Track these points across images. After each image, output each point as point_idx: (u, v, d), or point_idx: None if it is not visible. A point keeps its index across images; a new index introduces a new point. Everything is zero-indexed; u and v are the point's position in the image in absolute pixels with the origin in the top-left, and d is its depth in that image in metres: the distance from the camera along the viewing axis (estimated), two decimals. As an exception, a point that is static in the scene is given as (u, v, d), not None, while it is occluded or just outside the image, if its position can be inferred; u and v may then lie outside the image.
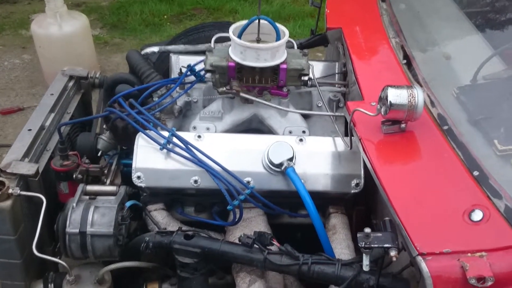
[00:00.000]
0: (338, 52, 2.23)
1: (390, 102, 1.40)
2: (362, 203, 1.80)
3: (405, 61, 1.76)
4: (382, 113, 1.44)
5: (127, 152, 1.93)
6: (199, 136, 1.71)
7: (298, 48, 2.65)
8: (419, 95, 1.39)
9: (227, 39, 2.23)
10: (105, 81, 1.96)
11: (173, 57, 2.20)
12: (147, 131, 1.67)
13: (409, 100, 1.39)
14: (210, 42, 2.78)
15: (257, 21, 1.77)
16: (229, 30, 1.79)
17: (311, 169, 1.68)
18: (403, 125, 1.45)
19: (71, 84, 2.22)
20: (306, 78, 1.86)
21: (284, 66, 1.79)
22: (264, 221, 1.72)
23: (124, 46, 4.76)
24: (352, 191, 1.68)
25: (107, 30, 5.07)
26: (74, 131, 2.09)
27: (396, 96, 1.40)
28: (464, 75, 1.70)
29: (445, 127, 1.45)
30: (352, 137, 1.58)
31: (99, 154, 1.91)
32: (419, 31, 1.92)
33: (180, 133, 1.70)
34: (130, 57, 1.97)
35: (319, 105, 2.12)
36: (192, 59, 2.18)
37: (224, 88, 1.80)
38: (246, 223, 1.69)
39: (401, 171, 1.40)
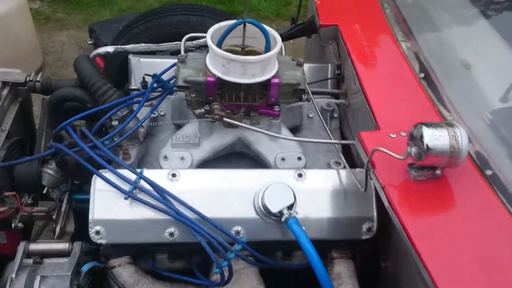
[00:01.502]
0: (330, 52, 1.90)
1: (427, 145, 1.09)
2: (368, 241, 1.52)
3: (423, 74, 1.44)
4: (416, 158, 1.13)
5: (80, 186, 1.55)
6: (173, 175, 1.35)
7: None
8: (463, 137, 1.09)
9: (201, 38, 1.87)
10: (49, 100, 1.54)
11: (133, 60, 1.79)
12: (106, 173, 1.30)
13: (451, 144, 1.08)
14: (176, 30, 2.45)
15: (242, 25, 1.39)
16: (207, 36, 1.41)
17: (314, 213, 1.37)
18: (438, 172, 1.16)
19: (5, 92, 1.79)
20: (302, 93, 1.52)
21: (276, 80, 1.44)
22: (256, 273, 1.41)
23: (69, 22, 4.21)
24: (363, 237, 1.39)
25: (49, 3, 4.47)
26: (12, 152, 1.68)
27: (435, 138, 1.09)
28: (491, 90, 1.41)
29: (488, 172, 1.16)
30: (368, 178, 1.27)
31: (44, 192, 1.52)
32: (430, 31, 1.60)
33: (149, 172, 1.33)
34: (79, 66, 1.54)
35: (310, 115, 1.80)
36: (157, 63, 1.79)
37: (203, 110, 1.44)
38: (234, 278, 1.37)
39: (440, 235, 1.11)
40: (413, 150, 1.13)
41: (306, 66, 1.82)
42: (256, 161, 1.60)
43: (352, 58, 1.55)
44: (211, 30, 1.43)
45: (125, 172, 1.31)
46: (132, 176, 1.30)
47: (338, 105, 1.79)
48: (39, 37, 3.78)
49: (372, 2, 1.78)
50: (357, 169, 1.42)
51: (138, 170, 1.33)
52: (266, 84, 1.44)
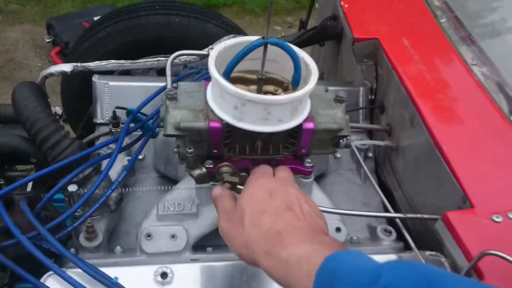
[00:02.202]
0: (352, 67, 1.47)
1: None
2: None
3: (516, 116, 1.03)
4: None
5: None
6: (163, 275, 0.90)
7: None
8: None
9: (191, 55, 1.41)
10: None
11: (98, 83, 1.31)
12: (58, 279, 0.83)
13: None
14: (154, 33, 1.96)
15: (262, 47, 0.94)
16: (209, 61, 0.95)
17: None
18: None
19: None
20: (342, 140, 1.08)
21: (310, 125, 0.99)
22: None
23: (24, 15, 3.63)
24: None
25: (-1, -8, 3.87)
26: None
27: None
28: None
29: None
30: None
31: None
32: (510, 49, 1.18)
33: (127, 274, 0.87)
34: (18, 101, 1.04)
35: (338, 156, 1.38)
36: (132, 88, 1.32)
37: (203, 170, 0.98)
38: None
39: None
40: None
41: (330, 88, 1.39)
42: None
43: (409, 89, 1.11)
44: (214, 52, 0.96)
45: (89, 279, 0.85)
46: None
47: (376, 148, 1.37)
48: (-13, 34, 3.22)
49: (419, 8, 1.35)
50: (428, 253, 0.99)
51: (111, 271, 0.87)
52: (295, 130, 0.99)
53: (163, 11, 1.97)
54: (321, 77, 2.12)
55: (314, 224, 0.70)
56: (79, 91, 1.88)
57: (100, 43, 1.93)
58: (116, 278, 0.83)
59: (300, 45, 1.83)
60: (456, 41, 1.22)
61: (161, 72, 1.67)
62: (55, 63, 3.20)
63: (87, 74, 1.78)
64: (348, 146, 1.20)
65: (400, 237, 1.13)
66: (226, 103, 0.93)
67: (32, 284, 0.82)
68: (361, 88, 1.41)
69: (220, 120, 0.95)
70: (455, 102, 1.08)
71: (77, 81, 1.90)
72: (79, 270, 0.85)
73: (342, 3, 1.42)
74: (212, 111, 0.96)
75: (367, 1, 1.44)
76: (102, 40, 1.92)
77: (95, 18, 3.27)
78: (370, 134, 1.43)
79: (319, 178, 1.34)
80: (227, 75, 0.94)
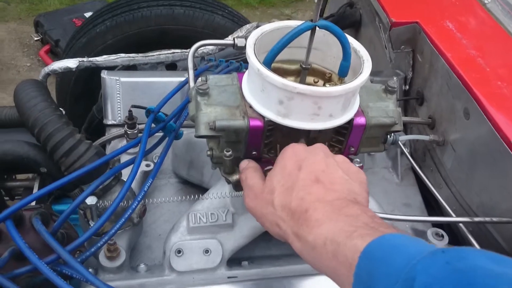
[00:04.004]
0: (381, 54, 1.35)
1: None
2: None
3: None
4: None
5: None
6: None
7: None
8: None
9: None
10: None
11: (108, 80, 1.17)
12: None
13: None
14: (157, 26, 1.80)
15: (309, 31, 0.81)
16: (247, 46, 0.82)
17: None
18: None
19: None
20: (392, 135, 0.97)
21: (362, 121, 0.87)
22: None
23: (9, 13, 3.45)
24: None
25: (-18, -11, 3.67)
26: None
27: None
28: None
29: None
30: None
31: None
32: None
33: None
34: (22, 102, 0.89)
35: (371, 153, 1.26)
36: (147, 84, 1.18)
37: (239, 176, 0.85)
38: None
39: None
40: None
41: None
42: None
43: (463, 76, 1.00)
44: (252, 39, 0.83)
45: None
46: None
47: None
48: (-30, 33, 3.03)
49: (460, -12, 1.23)
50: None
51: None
52: (344, 126, 0.87)
53: (166, 2, 1.83)
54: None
55: (345, 191, 0.66)
56: (76, 91, 1.74)
57: (99, 38, 1.79)
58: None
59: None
60: (506, 23, 1.10)
61: (170, 66, 1.53)
62: (44, 63, 3.03)
63: (82, 73, 1.65)
64: (395, 142, 1.08)
65: (452, 241, 1.02)
66: (269, 97, 0.80)
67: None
68: (395, 78, 1.29)
69: (261, 117, 0.82)
70: (516, 91, 0.97)
71: (73, 81, 1.76)
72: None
73: (374, -20, 1.29)
74: (250, 107, 0.83)
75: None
76: (100, 34, 1.78)
77: (86, 15, 3.11)
78: (405, 128, 1.31)
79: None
80: (268, 64, 0.81)
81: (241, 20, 1.97)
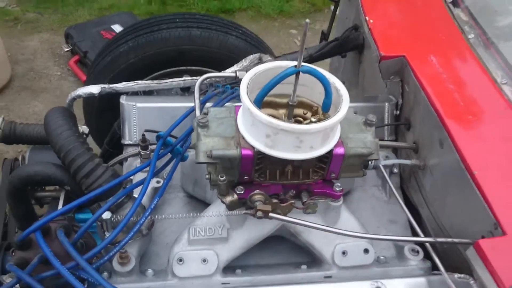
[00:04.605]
0: (376, 79, 1.46)
1: None
2: None
3: (548, 139, 1.02)
4: None
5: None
6: (197, 303, 0.92)
7: (307, 61, 1.85)
8: None
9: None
10: (10, 182, 1.05)
11: (126, 105, 1.33)
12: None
13: None
14: (175, 47, 1.96)
15: (293, 75, 0.94)
16: (241, 86, 0.96)
17: None
18: None
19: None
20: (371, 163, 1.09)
21: (341, 151, 1.00)
22: None
23: (42, 24, 3.67)
24: None
25: (17, 0, 3.90)
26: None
27: None
28: None
29: None
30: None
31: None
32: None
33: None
34: (50, 129, 1.05)
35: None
36: (159, 110, 1.33)
37: (235, 197, 0.99)
38: None
39: None
40: None
41: (352, 106, 1.38)
42: (300, 247, 1.17)
43: (437, 109, 1.11)
44: (246, 79, 0.97)
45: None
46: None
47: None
48: (6, 43, 3.24)
49: (447, 24, 1.34)
50: (457, 276, 0.99)
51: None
52: (326, 155, 0.99)
53: (184, 24, 1.98)
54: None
55: None
56: (101, 107, 1.91)
57: (122, 57, 1.95)
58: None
59: (322, 57, 1.85)
60: (485, 59, 1.21)
61: (184, 89, 1.67)
62: (74, 72, 3.24)
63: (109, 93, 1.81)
64: (376, 167, 1.20)
65: (427, 256, 1.13)
66: (258, 131, 0.94)
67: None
68: (387, 104, 1.41)
69: (252, 147, 0.96)
70: (486, 124, 1.08)
71: (98, 98, 1.93)
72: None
73: (367, 18, 1.41)
74: (243, 138, 0.97)
75: (393, 15, 1.43)
76: (123, 53, 1.94)
77: (113, 26, 3.30)
78: (395, 149, 1.42)
79: (345, 195, 1.34)
80: (258, 102, 0.95)
81: (254, 40, 2.11)
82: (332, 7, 2.10)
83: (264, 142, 0.94)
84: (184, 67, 1.99)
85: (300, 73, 0.95)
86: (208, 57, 1.98)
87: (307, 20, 0.88)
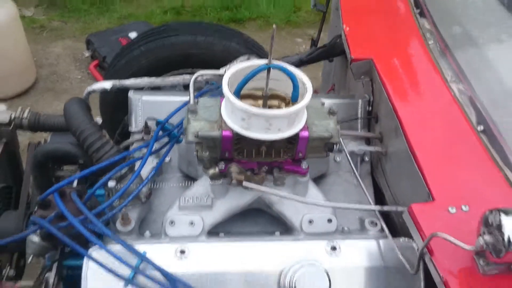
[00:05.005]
0: (358, 83, 1.66)
1: (509, 239, 0.85)
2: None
3: (481, 127, 1.21)
4: (492, 253, 0.89)
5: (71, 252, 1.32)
6: (182, 252, 1.13)
7: (297, 65, 2.07)
8: (557, 231, 0.85)
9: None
10: (34, 156, 1.29)
11: (133, 98, 1.55)
12: (101, 252, 1.07)
13: (542, 240, 0.85)
14: (182, 51, 2.19)
15: (265, 70, 1.15)
16: (223, 81, 1.17)
17: (352, 296, 1.14)
18: (517, 267, 0.92)
19: (-13, 134, 1.56)
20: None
21: (305, 134, 1.20)
22: None
23: (65, 32, 3.97)
24: (411, 323, 1.16)
25: (44, 9, 4.22)
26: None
27: (520, 232, 0.85)
28: None
29: None
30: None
31: (28, 261, 1.28)
32: (487, 70, 1.36)
33: (154, 250, 1.10)
34: (68, 114, 1.29)
35: (337, 159, 1.57)
36: (161, 102, 1.56)
37: (217, 170, 1.20)
38: None
39: None
40: (488, 240, 0.90)
41: (330, 102, 1.58)
42: (277, 219, 1.37)
43: (393, 102, 1.31)
44: (227, 74, 1.18)
45: (124, 252, 1.08)
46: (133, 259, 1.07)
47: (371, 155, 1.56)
48: (33, 48, 3.53)
49: (412, 31, 1.54)
50: (402, 239, 1.19)
51: (140, 246, 1.11)
52: (293, 137, 1.20)
53: (190, 31, 2.20)
54: (331, 89, 2.32)
55: None
56: (114, 103, 2.14)
57: (135, 60, 2.18)
58: (144, 252, 1.06)
59: (312, 61, 2.06)
60: (439, 61, 1.40)
61: (187, 87, 1.89)
62: (93, 76, 3.50)
63: (122, 90, 2.04)
64: (340, 151, 1.40)
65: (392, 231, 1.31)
66: (236, 116, 1.15)
67: (81, 254, 1.05)
68: (360, 101, 1.61)
69: (231, 130, 1.17)
70: (432, 115, 1.27)
71: (113, 95, 2.16)
72: (116, 246, 1.08)
73: (344, 26, 1.62)
74: (225, 122, 1.18)
75: (367, 24, 1.63)
76: (136, 57, 2.17)
77: (130, 34, 3.56)
78: (368, 141, 1.62)
79: (320, 179, 1.54)
80: (237, 93, 1.16)
81: (254, 46, 2.32)
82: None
83: (240, 124, 1.15)
84: (190, 69, 2.22)
85: (275, 70, 1.16)
86: (212, 61, 2.19)
87: (274, 26, 1.10)
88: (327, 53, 2.01)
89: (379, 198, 1.52)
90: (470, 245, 0.92)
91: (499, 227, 0.87)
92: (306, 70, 3.48)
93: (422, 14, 1.60)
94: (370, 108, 1.61)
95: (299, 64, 2.00)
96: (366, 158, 1.58)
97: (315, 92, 1.86)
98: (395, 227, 1.35)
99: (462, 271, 0.97)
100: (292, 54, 2.17)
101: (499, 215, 0.88)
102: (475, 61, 1.37)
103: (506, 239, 0.86)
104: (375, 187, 1.55)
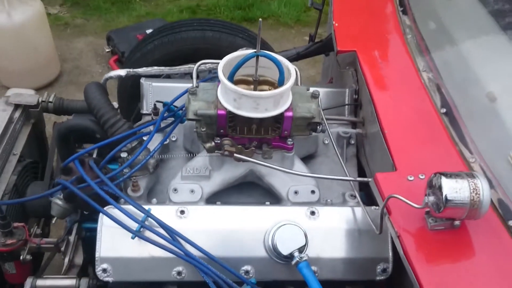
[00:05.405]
0: (348, 74, 1.84)
1: (446, 197, 1.03)
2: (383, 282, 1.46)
3: (444, 109, 1.38)
4: (434, 209, 1.07)
5: (90, 215, 1.53)
6: (182, 212, 1.33)
7: (295, 58, 2.25)
8: (484, 191, 1.02)
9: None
10: (58, 130, 1.51)
11: (145, 84, 1.76)
12: (114, 210, 1.27)
13: (472, 197, 1.02)
14: (191, 46, 2.39)
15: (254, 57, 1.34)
16: (218, 68, 1.37)
17: (327, 253, 1.33)
18: (457, 223, 1.10)
19: (17, 115, 1.78)
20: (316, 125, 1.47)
21: (290, 114, 1.39)
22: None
23: (87, 29, 4.21)
24: (378, 278, 1.34)
25: (68, 8, 4.48)
26: (24, 176, 1.67)
27: (454, 191, 1.03)
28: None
29: (512, 223, 1.10)
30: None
31: (53, 222, 1.50)
32: (454, 60, 1.52)
33: (157, 210, 1.30)
34: (88, 95, 1.51)
35: (326, 142, 1.75)
36: (169, 88, 1.76)
37: (213, 144, 1.40)
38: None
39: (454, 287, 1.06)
40: (431, 199, 1.08)
41: (322, 91, 1.76)
42: (269, 192, 1.56)
43: (370, 89, 1.49)
44: (222, 62, 1.38)
45: (133, 209, 1.28)
46: (140, 214, 1.27)
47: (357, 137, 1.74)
48: (57, 44, 3.78)
49: (394, 27, 1.71)
50: (373, 207, 1.36)
51: (146, 207, 1.31)
52: (279, 117, 1.39)
53: (199, 27, 2.41)
54: (330, 81, 2.50)
55: None
56: (132, 93, 2.35)
57: (149, 53, 2.39)
58: (149, 209, 1.26)
59: (309, 55, 2.24)
60: (415, 53, 1.57)
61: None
62: (112, 69, 3.74)
63: (136, 79, 2.25)
64: (323, 131, 1.58)
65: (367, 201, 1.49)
66: (229, 96, 1.35)
67: (97, 210, 1.25)
68: (347, 90, 1.79)
69: (225, 109, 1.36)
70: (403, 98, 1.44)
71: (129, 86, 2.37)
72: (126, 207, 1.28)
73: (334, 22, 1.80)
74: (219, 102, 1.38)
75: (354, 20, 1.81)
76: (150, 51, 2.39)
77: (147, 31, 3.78)
78: (355, 125, 1.79)
79: (309, 158, 1.72)
80: (230, 78, 1.36)
81: (258, 41, 2.51)
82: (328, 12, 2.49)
83: (232, 104, 1.35)
84: (193, 63, 2.42)
85: (266, 59, 1.36)
86: (218, 55, 2.39)
87: (260, 20, 1.29)
88: (323, 48, 2.19)
89: (363, 177, 1.70)
90: (418, 204, 1.10)
91: (440, 187, 1.05)
92: (313, 66, 3.65)
93: (404, 11, 1.77)
94: (356, 96, 1.79)
95: (296, 57, 2.18)
96: (352, 141, 1.76)
97: (330, 81, 2.04)
98: (373, 200, 1.53)
99: (414, 228, 1.14)
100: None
101: (440, 178, 1.05)
102: (445, 53, 1.54)
103: (444, 197, 1.03)
104: (361, 168, 1.73)
